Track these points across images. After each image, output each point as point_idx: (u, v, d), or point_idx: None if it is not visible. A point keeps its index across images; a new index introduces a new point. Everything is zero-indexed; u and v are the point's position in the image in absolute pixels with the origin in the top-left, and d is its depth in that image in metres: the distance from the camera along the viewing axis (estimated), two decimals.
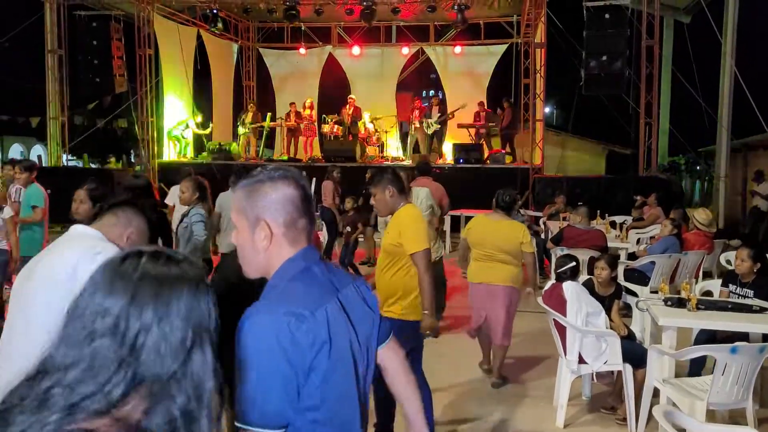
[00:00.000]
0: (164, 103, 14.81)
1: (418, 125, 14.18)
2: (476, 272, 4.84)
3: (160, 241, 4.09)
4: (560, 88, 20.50)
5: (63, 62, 14.32)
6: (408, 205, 3.56)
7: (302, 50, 17.35)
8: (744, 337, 3.90)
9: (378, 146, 14.81)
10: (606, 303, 4.37)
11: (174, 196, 7.16)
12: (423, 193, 5.78)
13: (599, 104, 15.40)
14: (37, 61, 14.87)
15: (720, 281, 4.95)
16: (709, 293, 5.00)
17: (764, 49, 17.47)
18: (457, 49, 16.66)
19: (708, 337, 4.30)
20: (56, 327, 0.95)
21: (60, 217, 5.61)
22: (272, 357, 1.27)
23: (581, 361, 4.06)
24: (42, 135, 18.13)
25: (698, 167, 20.66)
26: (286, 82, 17.75)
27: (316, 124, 15.07)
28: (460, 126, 14.52)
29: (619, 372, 4.10)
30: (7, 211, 5.59)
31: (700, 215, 6.80)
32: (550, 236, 7.81)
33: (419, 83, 18.85)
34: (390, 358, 1.68)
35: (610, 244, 7.01)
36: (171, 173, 12.07)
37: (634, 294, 5.15)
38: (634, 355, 4.01)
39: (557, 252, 6.44)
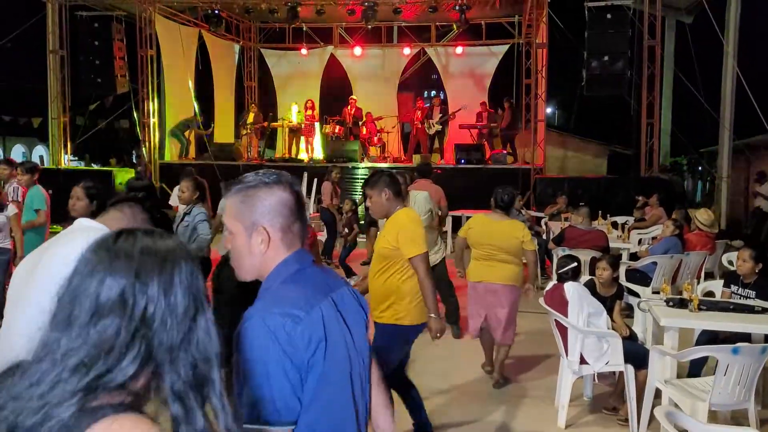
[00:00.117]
0: (165, 103, 14.82)
1: (419, 126, 14.19)
2: (476, 271, 4.82)
3: None
4: (562, 88, 20.49)
5: (65, 63, 14.32)
6: (405, 209, 3.51)
7: (303, 51, 17.32)
8: (746, 337, 3.91)
9: (379, 147, 14.83)
10: (607, 303, 4.37)
11: (176, 196, 7.16)
12: (421, 196, 5.69)
13: (601, 104, 15.38)
14: (38, 61, 14.86)
15: (722, 282, 4.95)
16: (710, 294, 4.99)
17: (766, 49, 17.42)
18: (459, 49, 16.63)
19: (710, 337, 4.30)
20: (53, 311, 0.97)
21: (61, 218, 5.63)
22: (277, 356, 1.28)
23: (583, 361, 4.05)
24: (44, 136, 18.15)
25: (700, 168, 20.63)
26: (288, 83, 17.73)
27: (317, 124, 15.09)
28: (461, 126, 14.52)
29: (621, 372, 4.09)
30: (11, 209, 5.61)
31: (702, 216, 6.79)
32: (551, 237, 7.80)
33: (421, 84, 18.82)
34: None
35: (611, 245, 7.02)
36: (172, 174, 12.08)
37: (635, 294, 5.15)
38: (636, 355, 4.01)
39: (559, 252, 6.44)
